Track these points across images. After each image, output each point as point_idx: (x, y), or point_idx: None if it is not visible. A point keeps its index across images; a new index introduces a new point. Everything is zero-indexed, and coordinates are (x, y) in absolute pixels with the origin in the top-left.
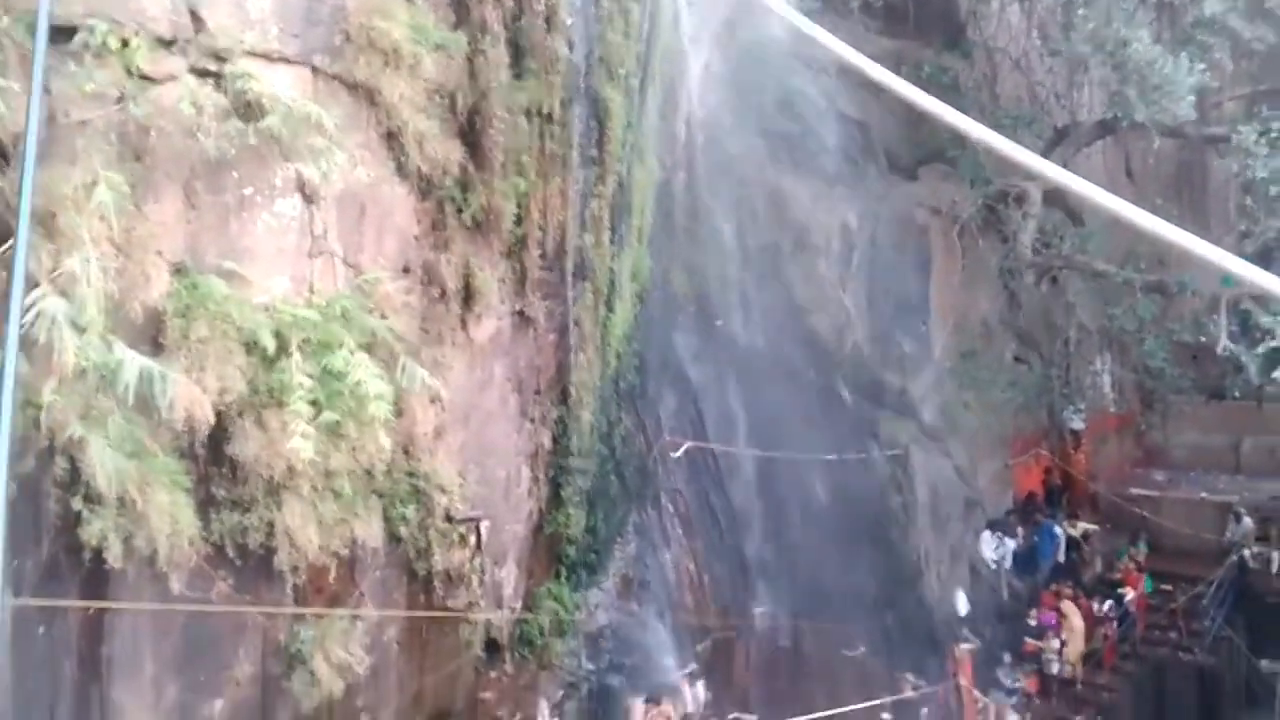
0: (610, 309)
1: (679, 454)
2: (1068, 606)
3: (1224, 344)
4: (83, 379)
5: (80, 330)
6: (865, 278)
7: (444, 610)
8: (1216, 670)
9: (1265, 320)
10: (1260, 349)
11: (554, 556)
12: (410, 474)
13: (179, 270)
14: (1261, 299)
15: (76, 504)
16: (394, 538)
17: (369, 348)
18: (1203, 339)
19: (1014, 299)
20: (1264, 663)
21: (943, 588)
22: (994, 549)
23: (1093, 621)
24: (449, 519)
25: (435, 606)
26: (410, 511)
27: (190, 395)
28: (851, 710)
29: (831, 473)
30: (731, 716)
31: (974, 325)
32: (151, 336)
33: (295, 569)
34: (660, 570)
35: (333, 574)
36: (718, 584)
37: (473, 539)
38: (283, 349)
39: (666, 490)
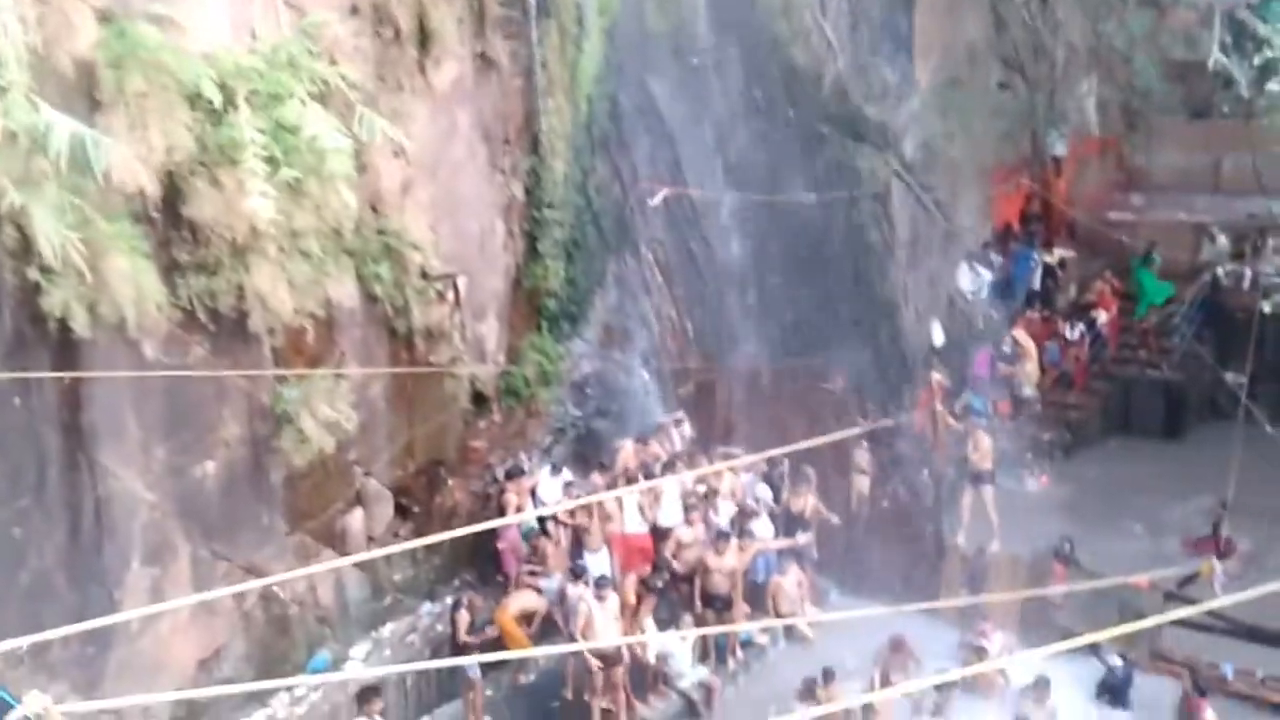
0: (579, 49)
1: (656, 201)
2: (1020, 334)
3: (1215, 56)
4: (14, 143)
5: (2, 90)
6: (847, 5)
7: (428, 366)
8: (1183, 385)
9: (1261, 29)
10: (1255, 60)
11: (534, 309)
12: (380, 231)
13: (105, 18)
14: (1258, 7)
15: (33, 274)
16: (370, 297)
17: (322, 99)
18: (1193, 55)
19: (1001, 22)
20: (1229, 375)
21: (920, 321)
22: (971, 280)
23: (1065, 345)
24: (425, 276)
25: (418, 362)
26: (384, 270)
27: (126, 161)
28: (829, 440)
29: (811, 212)
30: (719, 450)
31: (959, 52)
32: (87, 92)
33: (271, 331)
34: (641, 318)
35: (311, 335)
36: (699, 328)
37: (450, 295)
38: (229, 102)
39: (645, 238)
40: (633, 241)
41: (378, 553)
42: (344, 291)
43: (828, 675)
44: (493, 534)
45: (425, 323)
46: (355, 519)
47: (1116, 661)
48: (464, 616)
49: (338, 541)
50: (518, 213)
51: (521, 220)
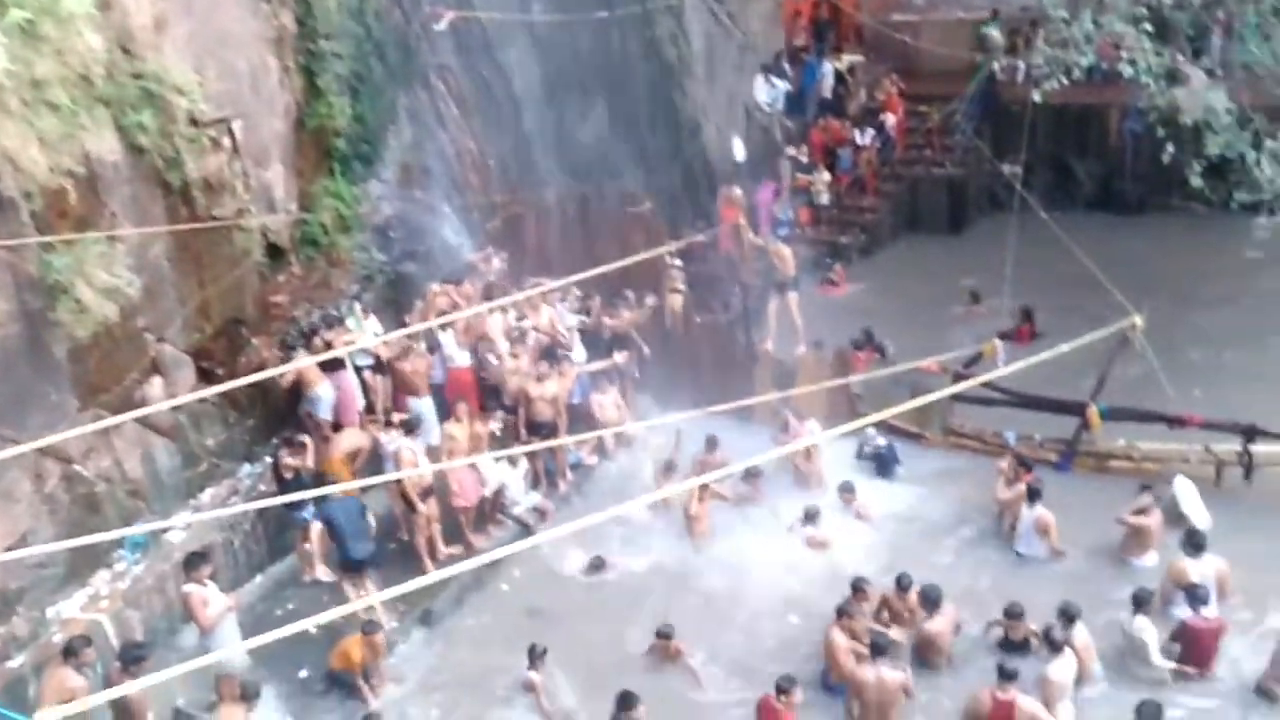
0: None
1: (442, 26)
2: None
3: None
4: None
5: None
6: None
7: (211, 220)
8: (964, 179)
9: None
10: None
11: (323, 151)
12: (137, 76)
13: None
14: None
15: None
16: (135, 149)
17: None
18: None
19: None
20: (1005, 166)
21: (720, 137)
22: (767, 92)
23: (857, 150)
24: (194, 122)
25: (200, 218)
26: (146, 118)
27: None
28: (640, 259)
29: (607, 32)
30: (531, 281)
31: None
32: None
33: (27, 195)
34: (440, 154)
35: (73, 196)
36: (501, 161)
37: (227, 141)
38: None
39: (434, 68)
40: (422, 72)
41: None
42: (104, 145)
43: (669, 467)
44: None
45: (202, 174)
46: (155, 388)
47: (881, 441)
48: (290, 462)
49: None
50: (291, 46)
51: (296, 54)
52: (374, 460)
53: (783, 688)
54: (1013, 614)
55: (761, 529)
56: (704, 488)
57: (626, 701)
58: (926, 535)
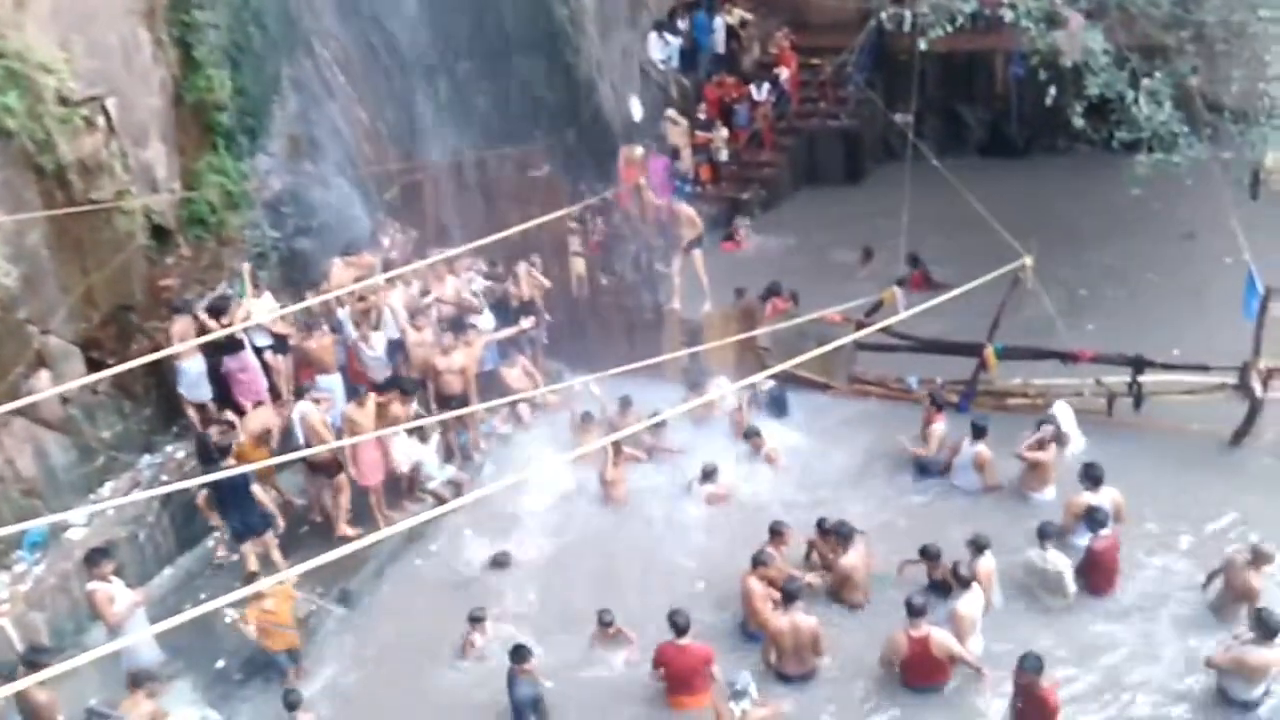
0: None
1: None
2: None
3: None
4: None
5: None
6: None
7: (89, 204)
8: (859, 130)
9: None
10: None
11: (205, 127)
12: None
13: None
14: None
15: None
16: (3, 132)
17: None
18: None
19: None
20: (897, 115)
21: (617, 96)
22: (661, 49)
23: (753, 105)
24: (64, 102)
25: (77, 201)
26: (12, 99)
27: None
28: (540, 222)
29: None
30: (434, 251)
31: None
32: None
33: None
34: (329, 124)
35: None
36: (394, 128)
37: (101, 120)
38: None
39: (318, 35)
40: (305, 40)
41: None
42: None
43: (586, 416)
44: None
45: (76, 155)
46: (43, 381)
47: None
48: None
49: (27, 408)
50: (163, 18)
51: (169, 26)
52: (285, 442)
53: (677, 624)
54: (930, 554)
55: (676, 484)
56: (618, 451)
57: (519, 654)
58: (838, 480)
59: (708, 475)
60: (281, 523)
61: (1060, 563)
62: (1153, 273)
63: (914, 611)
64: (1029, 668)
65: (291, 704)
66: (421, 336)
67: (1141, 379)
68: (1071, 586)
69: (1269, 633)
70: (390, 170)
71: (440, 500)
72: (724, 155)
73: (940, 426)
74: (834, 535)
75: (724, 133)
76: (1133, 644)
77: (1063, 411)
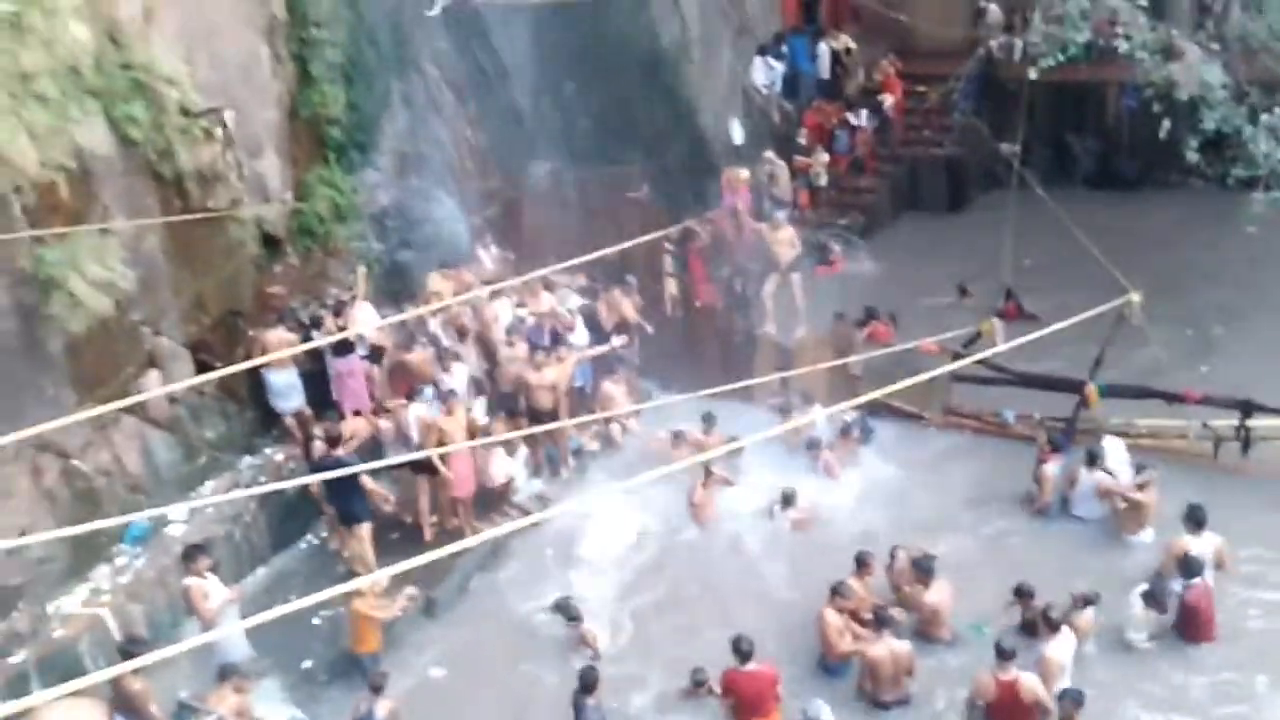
0: None
1: (436, 10)
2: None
3: None
4: None
5: None
6: None
7: (205, 211)
8: (963, 159)
9: None
10: None
11: (318, 140)
12: (126, 66)
13: None
14: None
15: None
16: (127, 141)
17: None
18: None
19: None
20: (1003, 145)
21: (718, 120)
22: (765, 74)
23: (854, 131)
24: (186, 113)
25: (194, 209)
26: (137, 109)
27: None
28: (637, 243)
29: (602, 14)
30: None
31: None
32: None
33: (18, 189)
34: (435, 141)
35: (64, 189)
36: (497, 146)
37: (220, 132)
38: None
39: (428, 53)
40: (416, 58)
41: None
42: (95, 138)
43: (678, 435)
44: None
45: (195, 165)
46: (152, 381)
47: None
48: (319, 447)
49: (136, 406)
50: (282, 34)
51: (288, 42)
52: (374, 453)
53: (741, 650)
54: (1023, 593)
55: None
56: (708, 474)
57: (586, 680)
58: (927, 512)
59: (787, 501)
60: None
61: (1135, 607)
62: (1263, 315)
63: (1003, 655)
64: (1071, 698)
65: (376, 686)
66: (515, 351)
67: (1250, 423)
68: (1135, 635)
69: None
70: (491, 187)
71: (525, 514)
72: (823, 180)
73: (1053, 468)
74: (914, 569)
75: (824, 158)
76: (1228, 693)
77: (1113, 447)
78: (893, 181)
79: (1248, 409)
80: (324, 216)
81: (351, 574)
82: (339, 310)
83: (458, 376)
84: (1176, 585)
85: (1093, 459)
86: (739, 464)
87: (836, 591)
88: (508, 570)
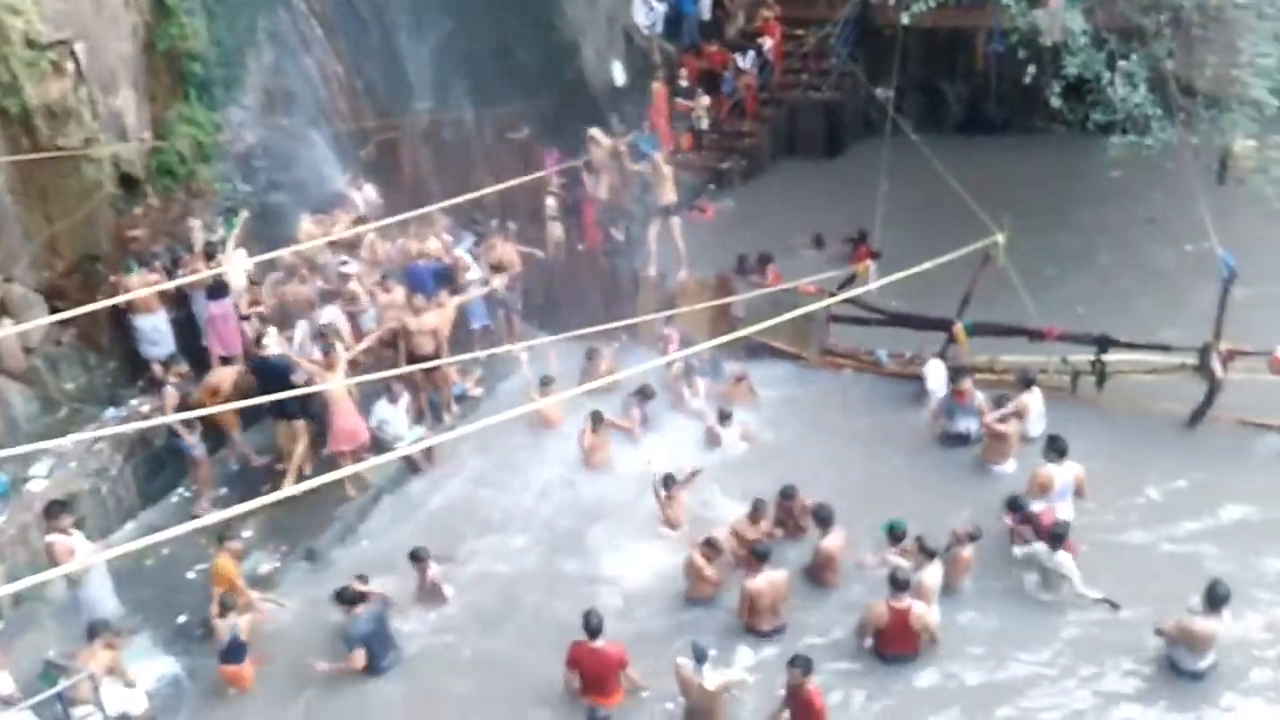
0: None
1: None
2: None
3: None
4: None
5: None
6: None
7: (55, 150)
8: (840, 103)
9: None
10: None
11: (178, 76)
12: None
13: None
14: None
15: None
16: None
17: None
18: None
19: None
20: (878, 90)
21: (600, 60)
22: (645, 14)
23: (737, 74)
24: (32, 45)
25: (43, 147)
26: None
27: None
28: (519, 183)
29: None
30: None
31: None
32: None
33: None
34: (305, 78)
35: None
36: (371, 85)
37: (70, 65)
38: None
39: None
40: None
41: None
42: None
43: (545, 380)
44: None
45: (43, 100)
46: (4, 329)
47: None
48: (172, 395)
49: None
50: None
51: None
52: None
53: (590, 625)
54: (895, 534)
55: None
56: (598, 419)
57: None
58: (805, 451)
59: (724, 418)
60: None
61: (1068, 566)
62: (1120, 254)
63: (897, 585)
64: (798, 667)
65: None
66: (393, 297)
67: (1106, 358)
68: (1080, 589)
69: (1216, 604)
70: (366, 127)
71: (408, 461)
72: (705, 124)
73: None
74: (814, 516)
75: (705, 101)
76: (1084, 615)
77: (934, 370)
78: (773, 125)
79: (1103, 344)
80: (186, 156)
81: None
82: (210, 253)
83: (328, 316)
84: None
85: (956, 375)
86: (650, 413)
87: (709, 542)
88: (386, 519)
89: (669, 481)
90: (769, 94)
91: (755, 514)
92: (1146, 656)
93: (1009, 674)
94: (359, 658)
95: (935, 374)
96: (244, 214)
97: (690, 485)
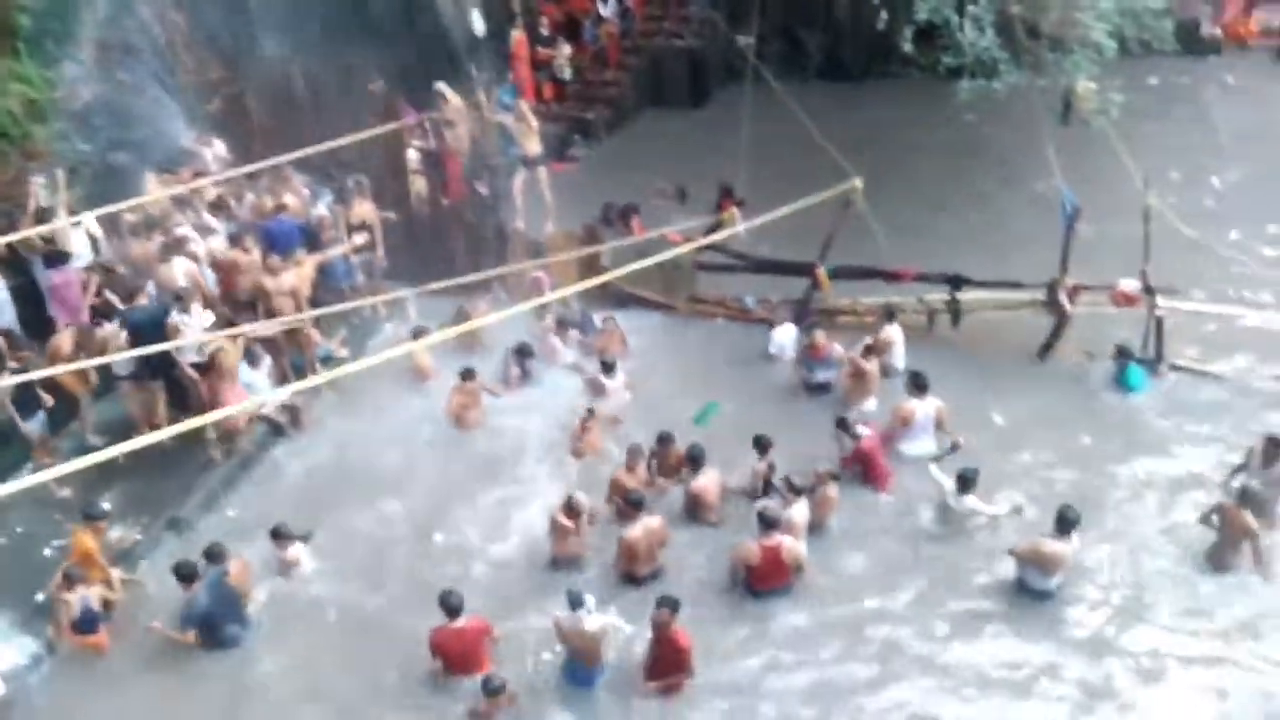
0: None
1: None
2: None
3: None
4: None
5: None
6: None
7: None
8: (703, 51)
9: None
10: None
11: (5, 30)
12: None
13: None
14: None
15: None
16: None
17: None
18: None
19: None
20: (740, 38)
21: (457, 8)
22: None
23: (599, 21)
24: None
25: None
26: None
27: None
28: (377, 132)
29: None
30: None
31: None
32: None
33: None
34: (144, 30)
35: None
36: (215, 35)
37: None
38: None
39: None
40: None
41: None
42: None
43: (418, 332)
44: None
45: None
46: None
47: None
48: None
49: None
50: None
51: None
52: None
53: (450, 606)
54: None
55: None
56: (468, 376)
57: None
58: (676, 395)
59: (608, 368)
60: None
61: (977, 507)
62: (973, 195)
63: (767, 523)
64: (666, 607)
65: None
66: (250, 258)
67: (960, 296)
68: (991, 512)
69: (1066, 528)
70: (211, 79)
71: (273, 425)
72: (568, 73)
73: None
74: (686, 457)
75: (567, 50)
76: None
77: (781, 333)
78: (636, 75)
79: (956, 283)
80: (17, 115)
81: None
82: (42, 218)
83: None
84: (906, 447)
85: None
86: (530, 369)
87: (568, 504)
88: (252, 487)
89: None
90: (631, 42)
91: (631, 462)
92: (1002, 580)
93: (874, 606)
94: (191, 636)
95: (783, 336)
96: (59, 173)
97: (613, 426)
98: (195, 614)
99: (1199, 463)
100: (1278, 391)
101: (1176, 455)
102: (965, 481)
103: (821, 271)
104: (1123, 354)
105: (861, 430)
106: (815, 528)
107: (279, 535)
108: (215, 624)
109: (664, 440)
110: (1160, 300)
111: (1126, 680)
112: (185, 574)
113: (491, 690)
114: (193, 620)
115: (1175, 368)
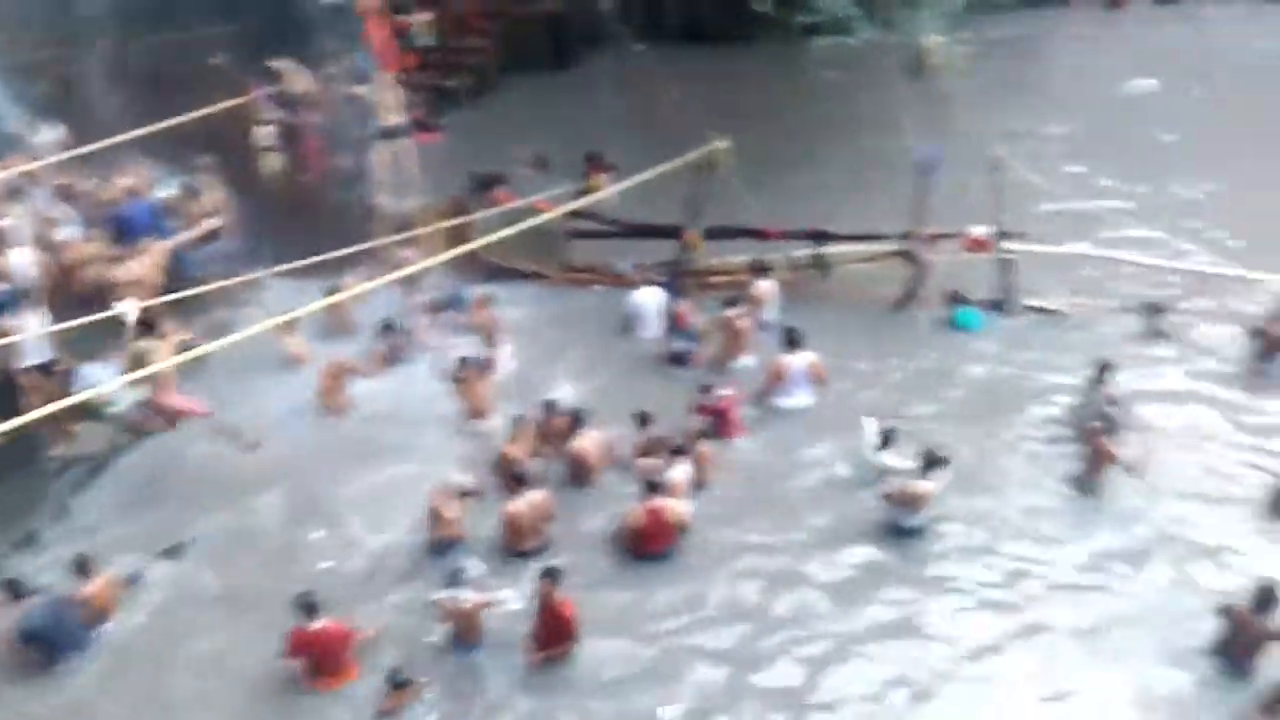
0: None
1: None
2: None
3: None
4: None
5: None
6: None
7: None
8: (563, 15)
9: None
10: None
11: None
12: None
13: None
14: None
15: None
16: None
17: None
18: None
19: None
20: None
21: None
22: None
23: None
24: None
25: None
26: None
27: None
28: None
29: None
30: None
31: None
32: None
33: None
34: None
35: None
36: (41, 14)
37: None
38: None
39: None
40: None
41: None
42: None
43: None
44: None
45: None
46: None
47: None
48: None
49: None
50: None
51: None
52: None
53: (307, 606)
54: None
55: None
56: (339, 365)
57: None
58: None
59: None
60: None
61: (893, 462)
62: (834, 150)
63: (654, 489)
64: (548, 578)
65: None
66: (92, 248)
67: (823, 250)
68: (902, 466)
69: (930, 466)
70: (38, 59)
71: (137, 427)
72: (428, 41)
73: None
74: (569, 419)
75: (426, 16)
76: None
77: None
78: (497, 40)
79: (819, 238)
80: None
81: None
82: None
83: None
84: (780, 400)
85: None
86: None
87: (444, 487)
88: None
89: (465, 363)
90: (494, 6)
91: (515, 433)
92: (875, 523)
93: (755, 562)
94: (20, 653)
95: (643, 297)
96: None
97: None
98: (25, 632)
99: (1052, 393)
100: (1117, 322)
101: (1028, 389)
102: (886, 437)
103: (692, 233)
104: (955, 299)
105: (721, 393)
106: (698, 485)
107: (82, 567)
108: (48, 644)
109: (549, 407)
110: (1008, 244)
111: (997, 614)
112: (16, 592)
113: (397, 684)
114: (21, 639)
115: (1029, 308)
